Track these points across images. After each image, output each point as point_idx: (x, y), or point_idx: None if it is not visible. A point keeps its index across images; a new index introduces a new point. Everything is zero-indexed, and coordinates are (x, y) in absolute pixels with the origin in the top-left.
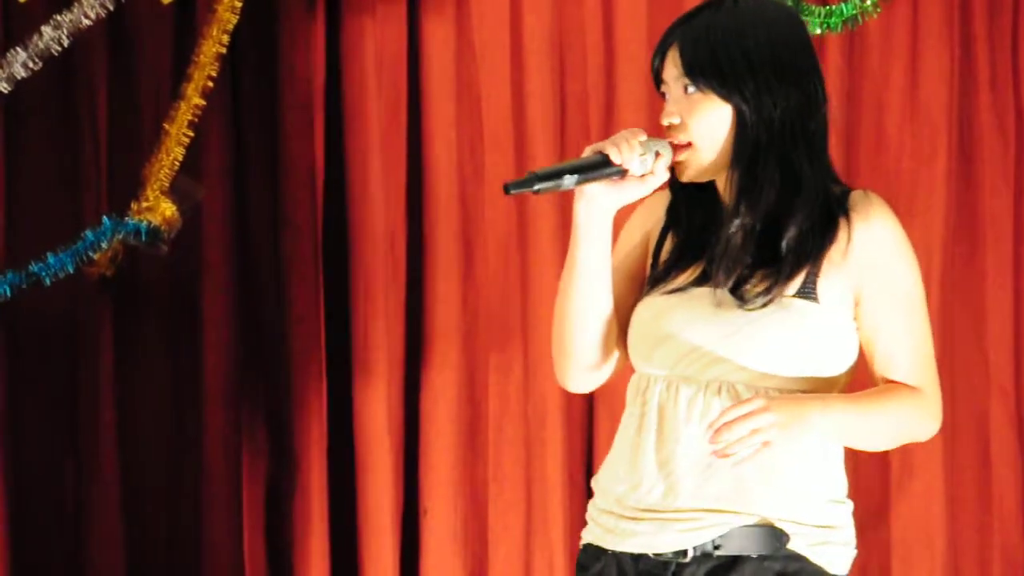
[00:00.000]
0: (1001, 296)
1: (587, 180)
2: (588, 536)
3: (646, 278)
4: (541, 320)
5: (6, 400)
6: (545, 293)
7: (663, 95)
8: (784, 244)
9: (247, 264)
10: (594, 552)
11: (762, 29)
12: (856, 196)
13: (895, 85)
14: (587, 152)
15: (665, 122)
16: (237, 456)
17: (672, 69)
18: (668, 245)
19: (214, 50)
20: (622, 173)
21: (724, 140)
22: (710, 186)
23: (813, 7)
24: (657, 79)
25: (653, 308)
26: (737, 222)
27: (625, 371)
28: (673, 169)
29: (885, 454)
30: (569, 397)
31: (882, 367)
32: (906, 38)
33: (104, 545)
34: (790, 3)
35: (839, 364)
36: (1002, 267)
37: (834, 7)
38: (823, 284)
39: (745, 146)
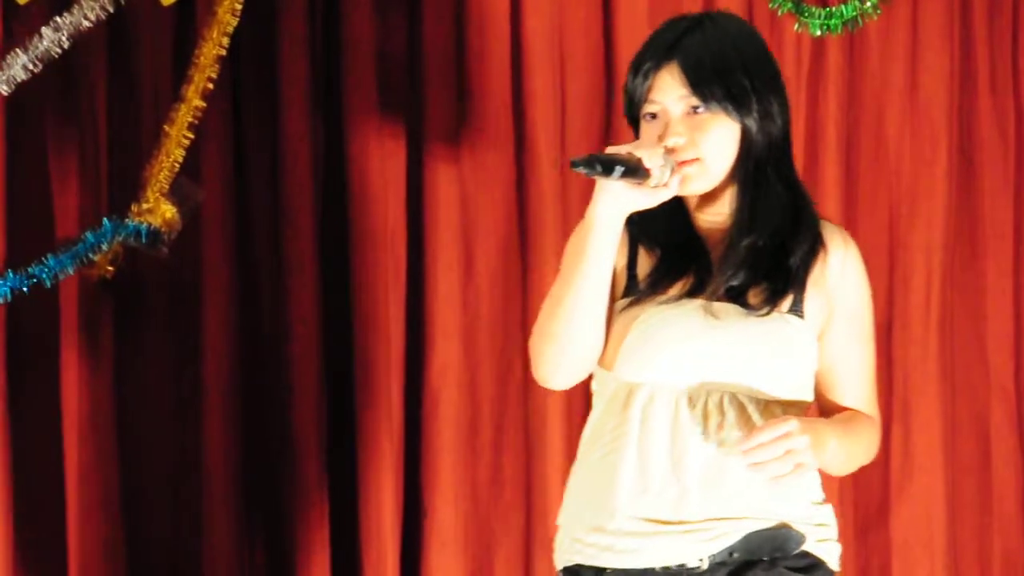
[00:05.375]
0: (1001, 297)
1: (624, 177)
2: (575, 556)
3: (616, 291)
4: None
5: (6, 401)
6: (546, 294)
7: (647, 116)
8: (792, 262)
9: (247, 265)
10: (588, 573)
11: (751, 45)
12: (827, 224)
13: (895, 87)
14: (610, 151)
15: (670, 143)
16: (237, 456)
17: (674, 90)
18: (645, 258)
19: (214, 52)
20: (645, 179)
21: (730, 156)
22: (671, 202)
23: (813, 9)
24: (640, 98)
25: (650, 318)
26: (748, 240)
27: None
28: None
29: (885, 455)
30: (569, 399)
31: (839, 393)
32: (906, 40)
33: (104, 546)
34: (790, 4)
35: (812, 384)
36: (1002, 268)
37: (834, 9)
38: (808, 304)
39: (750, 163)
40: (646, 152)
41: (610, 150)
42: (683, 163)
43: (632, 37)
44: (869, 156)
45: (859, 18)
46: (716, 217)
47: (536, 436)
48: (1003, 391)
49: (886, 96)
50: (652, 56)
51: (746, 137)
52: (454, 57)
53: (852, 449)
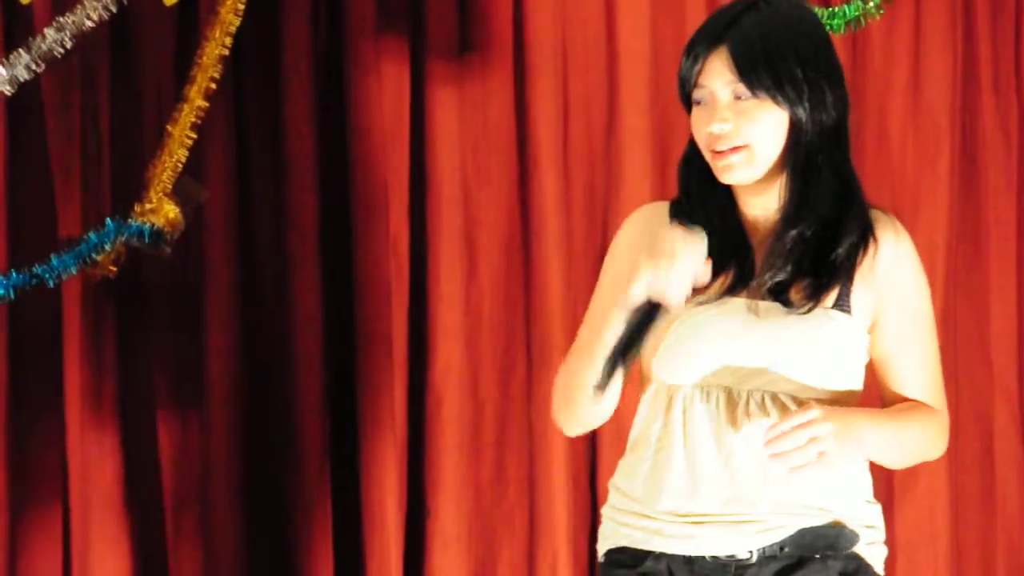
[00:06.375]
0: (1004, 296)
1: (653, 323)
2: (622, 540)
3: None
4: (544, 321)
5: (7, 400)
6: (548, 294)
7: (695, 102)
8: (836, 254)
9: (250, 265)
10: (634, 554)
11: (806, 32)
12: (878, 215)
13: (898, 86)
14: (637, 296)
15: (716, 129)
16: (240, 456)
17: (721, 75)
18: None
19: (217, 52)
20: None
21: (778, 146)
22: (719, 192)
23: (816, 8)
24: (690, 82)
25: (689, 320)
26: (795, 231)
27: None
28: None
29: None
30: None
31: (899, 384)
32: (909, 39)
33: (105, 545)
34: None
35: (861, 377)
36: (1005, 267)
37: (837, 8)
38: (855, 298)
39: (800, 153)
40: (673, 295)
41: (628, 301)
42: (725, 152)
43: (634, 37)
44: (872, 155)
45: (862, 18)
46: (765, 211)
47: (539, 436)
48: (1006, 391)
49: (889, 95)
50: (703, 40)
51: (796, 127)
52: (457, 58)
53: (903, 440)
